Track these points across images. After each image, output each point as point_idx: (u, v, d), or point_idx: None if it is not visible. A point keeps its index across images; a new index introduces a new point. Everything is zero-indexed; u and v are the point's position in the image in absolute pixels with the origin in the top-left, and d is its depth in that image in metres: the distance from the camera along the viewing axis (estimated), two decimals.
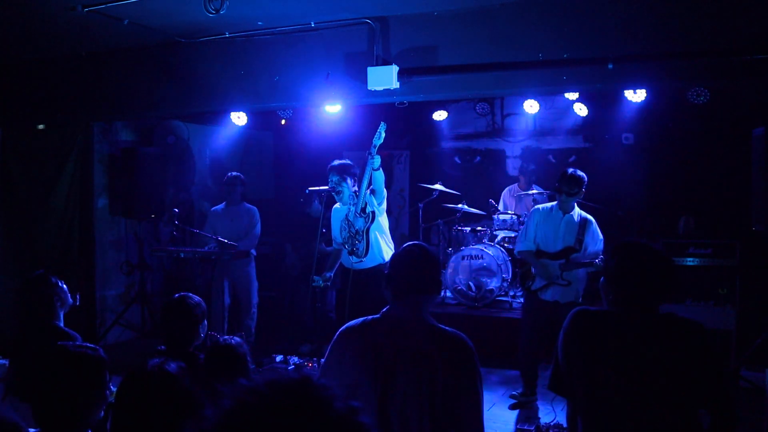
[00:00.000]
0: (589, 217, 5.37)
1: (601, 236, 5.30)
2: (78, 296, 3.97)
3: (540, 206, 5.57)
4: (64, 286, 3.76)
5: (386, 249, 5.23)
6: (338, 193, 5.23)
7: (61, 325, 3.67)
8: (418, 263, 2.49)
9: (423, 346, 2.35)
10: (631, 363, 2.27)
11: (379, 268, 5.07)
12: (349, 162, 5.36)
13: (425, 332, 2.41)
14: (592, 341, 2.36)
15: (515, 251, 5.82)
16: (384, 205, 5.23)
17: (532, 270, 5.37)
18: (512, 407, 5.37)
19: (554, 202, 5.40)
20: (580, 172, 5.27)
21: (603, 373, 2.29)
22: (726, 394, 2.30)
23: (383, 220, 5.27)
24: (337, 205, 5.40)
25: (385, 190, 5.17)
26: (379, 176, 5.06)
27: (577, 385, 2.38)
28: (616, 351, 2.30)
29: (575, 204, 5.32)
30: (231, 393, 0.85)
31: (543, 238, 5.36)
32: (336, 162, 5.33)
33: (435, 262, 2.56)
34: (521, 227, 5.53)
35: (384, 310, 2.48)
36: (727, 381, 2.39)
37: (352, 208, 5.22)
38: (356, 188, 5.24)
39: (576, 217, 5.31)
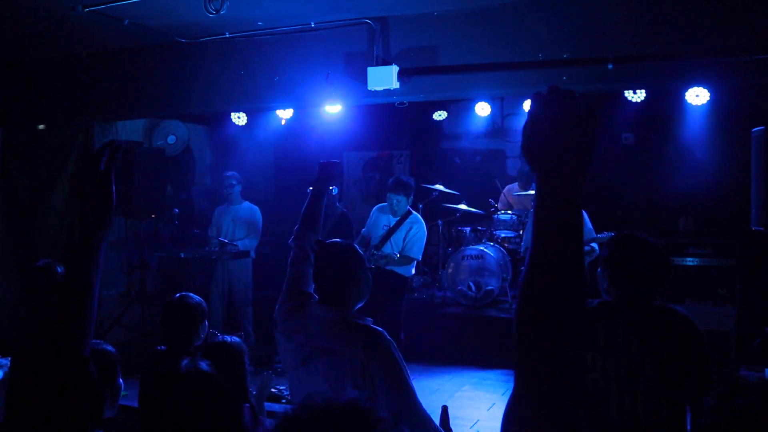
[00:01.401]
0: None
1: (590, 225, 5.59)
2: None
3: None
4: None
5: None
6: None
7: None
8: (335, 261, 2.49)
9: (336, 347, 2.36)
10: (620, 349, 2.36)
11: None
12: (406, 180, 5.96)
13: (342, 330, 2.38)
14: (585, 329, 2.41)
15: (522, 249, 5.95)
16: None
17: None
18: None
19: None
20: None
21: (592, 361, 2.38)
22: (709, 387, 2.38)
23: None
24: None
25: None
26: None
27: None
28: (606, 340, 2.38)
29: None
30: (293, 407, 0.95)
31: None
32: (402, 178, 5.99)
33: (355, 258, 2.52)
34: (523, 228, 5.67)
35: (312, 302, 2.52)
36: (711, 374, 2.44)
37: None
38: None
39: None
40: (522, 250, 5.93)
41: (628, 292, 2.47)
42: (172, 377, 2.10)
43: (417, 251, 5.83)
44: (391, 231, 5.84)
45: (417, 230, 5.84)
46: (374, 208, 6.14)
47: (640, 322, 2.40)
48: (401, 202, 5.78)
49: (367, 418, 0.90)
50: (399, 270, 5.80)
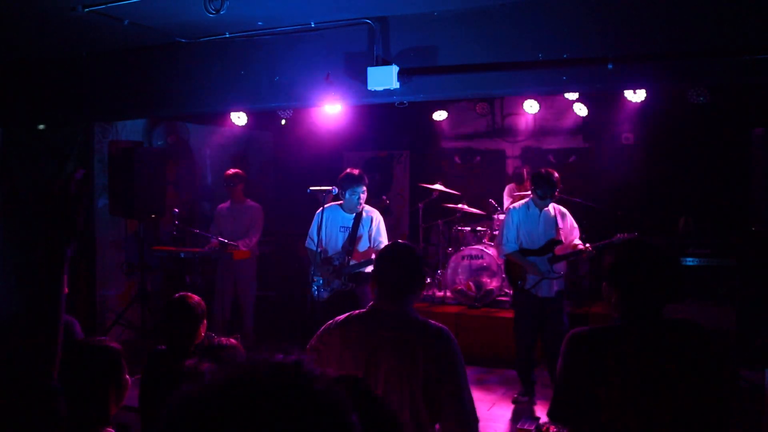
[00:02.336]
0: (563, 208, 5.59)
1: (576, 225, 5.56)
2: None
3: (515, 205, 5.70)
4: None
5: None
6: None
7: None
8: (401, 262, 2.60)
9: (403, 336, 2.45)
10: (634, 381, 2.14)
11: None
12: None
13: (407, 324, 2.50)
14: (592, 365, 2.21)
15: (500, 255, 5.93)
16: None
17: (525, 269, 5.47)
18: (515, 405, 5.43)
19: (527, 200, 5.57)
20: (554, 174, 5.41)
21: (606, 395, 2.16)
22: (728, 411, 2.18)
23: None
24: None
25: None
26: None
27: (581, 412, 2.24)
28: (616, 371, 2.16)
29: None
30: (221, 368, 0.87)
31: (526, 236, 5.51)
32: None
33: (417, 260, 2.65)
34: (502, 229, 5.61)
35: (369, 305, 2.60)
36: (730, 396, 2.27)
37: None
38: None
39: (551, 211, 5.51)
40: (502, 256, 5.86)
41: (640, 306, 2.23)
42: (175, 377, 2.11)
43: (385, 240, 5.40)
44: (354, 231, 5.35)
45: (378, 221, 5.43)
46: (318, 212, 5.38)
47: (654, 346, 2.17)
48: (361, 195, 5.31)
49: (306, 383, 0.85)
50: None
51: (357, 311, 2.61)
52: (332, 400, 0.86)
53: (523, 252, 5.47)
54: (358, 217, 5.38)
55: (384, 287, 2.57)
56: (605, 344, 2.22)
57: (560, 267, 5.45)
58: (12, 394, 1.53)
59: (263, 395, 0.82)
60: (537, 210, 5.48)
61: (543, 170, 5.43)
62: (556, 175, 5.40)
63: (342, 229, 5.39)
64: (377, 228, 5.42)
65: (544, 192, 5.33)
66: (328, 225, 5.40)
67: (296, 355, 0.90)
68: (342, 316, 2.61)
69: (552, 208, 5.50)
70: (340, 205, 5.43)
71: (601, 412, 2.19)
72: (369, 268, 5.21)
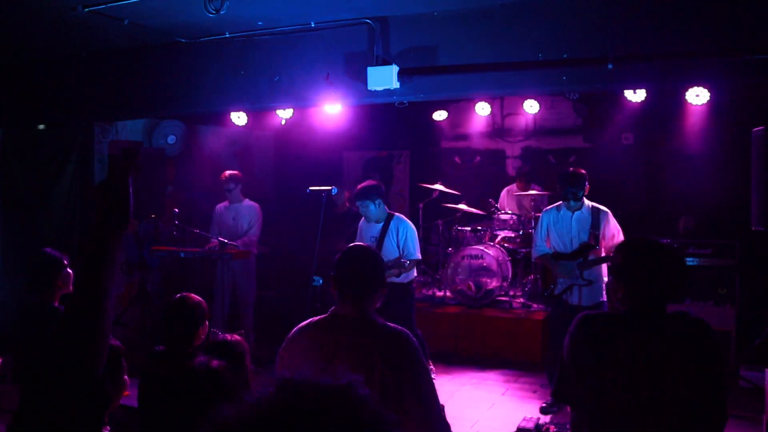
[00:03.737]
0: (603, 208, 5.22)
1: (619, 228, 5.16)
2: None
3: (548, 208, 5.50)
4: (69, 271, 3.77)
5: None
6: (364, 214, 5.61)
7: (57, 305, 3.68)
8: (360, 266, 2.61)
9: (360, 340, 2.45)
10: (641, 368, 2.19)
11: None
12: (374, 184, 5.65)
13: (364, 327, 2.49)
14: (600, 347, 2.27)
15: (532, 258, 5.73)
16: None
17: (553, 273, 5.23)
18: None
19: (560, 202, 5.34)
20: (575, 172, 5.21)
21: (613, 379, 2.21)
22: (723, 400, 2.24)
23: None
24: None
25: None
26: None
27: (585, 393, 2.29)
28: (625, 356, 2.22)
29: (583, 198, 5.24)
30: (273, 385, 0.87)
31: (556, 239, 5.27)
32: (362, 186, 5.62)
33: (377, 263, 2.65)
34: (534, 232, 5.44)
35: (331, 309, 2.61)
36: (725, 386, 2.32)
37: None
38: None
39: (586, 211, 5.21)
40: (533, 259, 5.71)
41: (645, 301, 2.28)
42: (184, 373, 2.12)
43: (416, 251, 5.56)
44: (380, 241, 5.52)
45: (405, 230, 5.54)
46: (359, 224, 5.80)
47: (659, 336, 2.23)
48: (368, 207, 5.49)
49: (357, 407, 0.85)
50: (396, 278, 5.41)
51: (318, 317, 2.62)
52: (384, 423, 0.85)
53: (555, 256, 5.21)
54: (386, 227, 5.54)
55: (344, 291, 2.57)
56: (615, 329, 2.28)
57: (595, 274, 5.07)
58: (56, 391, 1.46)
59: (317, 420, 0.82)
60: (569, 212, 5.21)
61: (570, 169, 5.30)
62: (579, 173, 5.18)
63: (371, 239, 5.56)
64: (405, 237, 5.52)
65: (565, 192, 5.12)
66: (363, 235, 5.66)
67: (347, 379, 0.90)
68: (304, 323, 2.63)
69: (589, 210, 5.20)
70: None
71: (605, 396, 2.22)
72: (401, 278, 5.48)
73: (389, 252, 5.45)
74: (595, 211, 5.18)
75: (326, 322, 2.58)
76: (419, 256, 5.65)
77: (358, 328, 2.49)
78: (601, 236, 5.11)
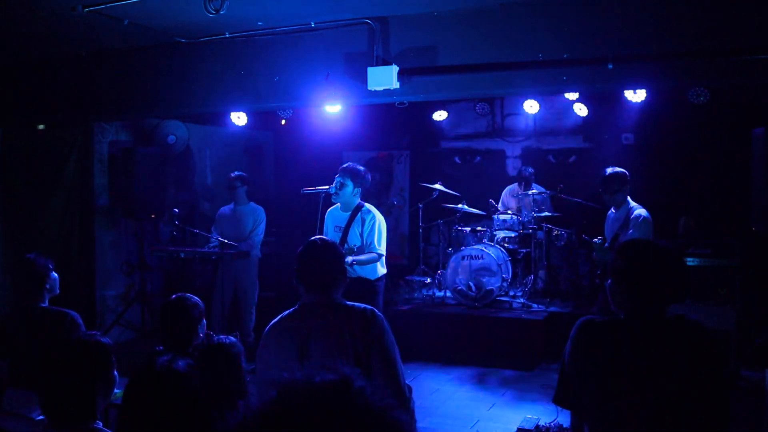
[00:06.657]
0: (639, 212, 5.29)
1: (646, 233, 5.15)
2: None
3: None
4: (55, 275, 3.80)
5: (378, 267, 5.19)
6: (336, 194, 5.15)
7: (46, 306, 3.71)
8: (324, 258, 2.81)
9: (330, 321, 2.67)
10: (643, 372, 2.17)
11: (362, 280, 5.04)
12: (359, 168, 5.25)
13: (333, 309, 2.72)
14: (601, 352, 2.25)
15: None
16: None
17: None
18: None
19: None
20: (617, 170, 5.32)
21: (614, 383, 2.20)
22: (726, 403, 2.22)
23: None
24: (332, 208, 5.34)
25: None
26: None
27: (586, 397, 2.27)
28: (626, 360, 2.20)
29: (628, 199, 5.40)
30: (276, 387, 0.90)
31: (608, 236, 5.51)
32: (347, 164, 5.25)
33: (338, 255, 2.87)
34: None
35: (298, 303, 2.82)
36: (727, 389, 2.31)
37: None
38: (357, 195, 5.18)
39: (623, 212, 5.37)
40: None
41: (645, 304, 2.24)
42: (145, 374, 2.14)
43: (379, 244, 5.05)
44: (345, 232, 5.11)
45: (372, 221, 5.08)
46: (327, 211, 5.34)
47: (660, 341, 2.20)
48: (346, 185, 5.06)
49: (357, 399, 0.87)
50: (361, 272, 5.03)
51: (288, 310, 2.80)
52: (388, 414, 0.88)
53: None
54: (352, 217, 5.12)
55: (310, 284, 2.76)
56: (615, 333, 2.27)
57: None
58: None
59: (321, 417, 0.84)
60: (612, 211, 5.52)
61: (606, 172, 5.41)
62: (608, 175, 5.30)
63: (336, 229, 5.18)
64: (371, 229, 5.07)
65: (603, 191, 5.36)
66: (327, 225, 5.28)
67: (342, 373, 0.92)
68: (276, 318, 2.81)
69: (626, 211, 5.34)
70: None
71: (607, 400, 2.21)
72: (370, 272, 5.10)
73: (352, 244, 5.09)
74: (629, 214, 5.32)
75: (296, 313, 2.78)
76: (382, 251, 5.11)
77: (327, 311, 2.70)
78: (623, 238, 5.23)
